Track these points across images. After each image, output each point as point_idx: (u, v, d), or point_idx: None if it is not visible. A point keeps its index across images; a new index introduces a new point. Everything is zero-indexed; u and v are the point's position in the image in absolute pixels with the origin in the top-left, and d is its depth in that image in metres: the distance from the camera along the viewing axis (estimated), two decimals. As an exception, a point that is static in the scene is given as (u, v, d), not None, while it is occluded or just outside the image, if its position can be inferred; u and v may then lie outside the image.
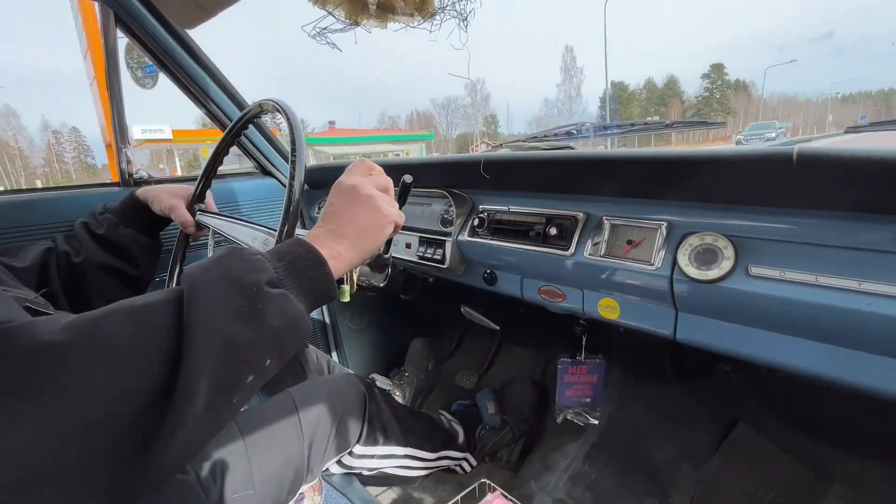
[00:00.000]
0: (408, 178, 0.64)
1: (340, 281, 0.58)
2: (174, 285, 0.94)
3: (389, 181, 0.60)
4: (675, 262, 0.61)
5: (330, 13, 0.73)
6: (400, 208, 0.61)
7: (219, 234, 0.88)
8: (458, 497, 0.91)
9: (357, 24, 0.75)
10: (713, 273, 0.57)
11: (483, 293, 0.98)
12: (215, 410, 0.39)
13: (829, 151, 0.46)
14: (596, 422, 1.09)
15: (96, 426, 0.33)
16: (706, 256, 0.59)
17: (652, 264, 0.64)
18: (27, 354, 0.33)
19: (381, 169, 0.60)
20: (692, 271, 0.59)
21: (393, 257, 1.01)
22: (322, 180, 1.31)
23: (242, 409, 0.65)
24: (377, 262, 0.85)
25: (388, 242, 0.66)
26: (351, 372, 0.94)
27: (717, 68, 65.09)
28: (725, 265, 0.57)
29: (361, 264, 0.57)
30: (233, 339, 0.40)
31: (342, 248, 0.53)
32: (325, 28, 0.75)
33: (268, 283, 0.44)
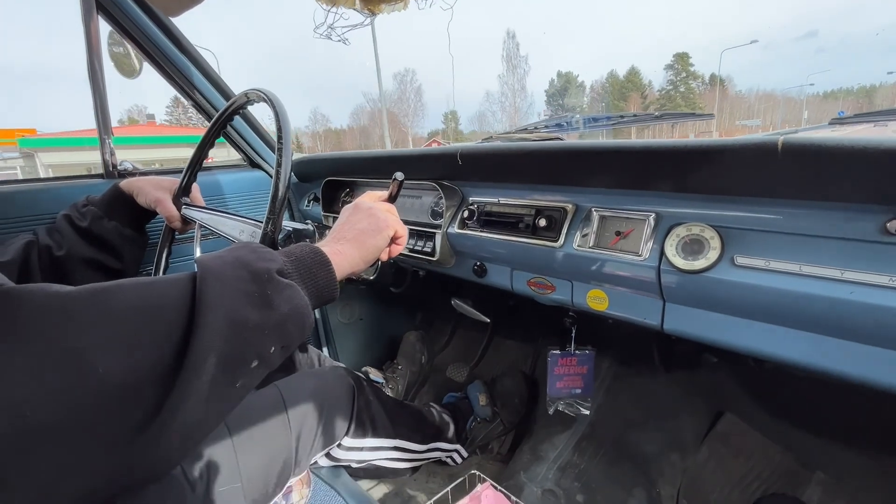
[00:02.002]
0: (399, 176, 0.70)
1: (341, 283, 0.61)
2: None
3: (392, 207, 0.69)
4: (662, 253, 0.62)
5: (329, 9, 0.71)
6: (392, 202, 0.69)
7: (205, 227, 0.87)
8: (449, 488, 0.92)
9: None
10: (700, 263, 0.57)
11: (473, 286, 0.98)
12: (220, 391, 0.39)
13: (813, 141, 0.46)
14: (587, 412, 1.10)
15: (101, 387, 0.33)
16: (693, 247, 0.59)
17: (640, 255, 0.64)
18: (36, 310, 0.33)
19: (398, 173, 0.71)
20: (679, 262, 0.59)
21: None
22: (311, 173, 1.30)
23: None
24: None
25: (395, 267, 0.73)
26: (341, 365, 0.94)
27: (682, 58, 58.03)
28: (712, 255, 0.57)
29: (364, 266, 0.61)
30: (242, 320, 0.41)
31: (343, 246, 0.57)
32: (331, 25, 0.74)
33: (277, 272, 0.46)
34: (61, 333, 0.33)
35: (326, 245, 0.57)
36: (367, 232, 0.61)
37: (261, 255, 0.47)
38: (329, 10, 0.74)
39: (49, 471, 0.32)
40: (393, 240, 0.66)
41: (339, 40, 0.77)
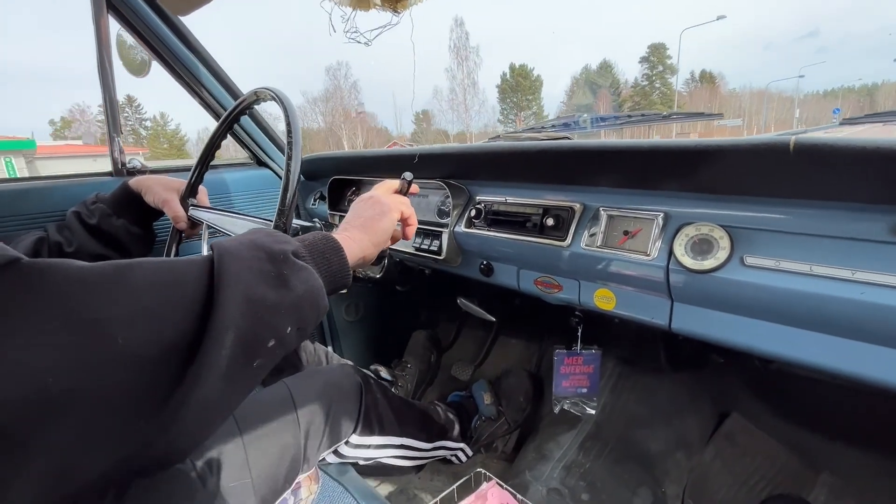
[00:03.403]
0: (408, 176, 0.72)
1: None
2: None
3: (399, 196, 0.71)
4: (671, 253, 0.62)
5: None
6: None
7: (212, 227, 0.87)
8: (454, 487, 0.92)
9: (397, 11, 0.72)
10: (709, 263, 0.58)
11: (479, 284, 0.98)
12: (237, 369, 0.39)
13: (826, 141, 0.46)
14: (593, 412, 1.10)
15: (121, 358, 0.34)
16: (702, 247, 0.59)
17: (648, 255, 0.64)
18: (56, 284, 0.33)
19: (406, 172, 0.73)
20: (688, 261, 0.59)
21: (389, 249, 1.01)
22: (317, 171, 1.31)
23: None
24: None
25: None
26: (349, 363, 0.94)
27: (657, 50, 50.81)
28: (721, 255, 0.57)
29: (375, 251, 0.63)
30: (259, 297, 0.41)
31: (352, 232, 0.60)
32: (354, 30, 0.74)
33: (293, 253, 0.48)
34: (81, 305, 0.33)
35: (337, 233, 0.58)
36: (373, 217, 0.63)
37: (276, 238, 0.48)
38: (350, 15, 0.73)
39: (69, 442, 0.32)
40: (403, 222, 0.68)
41: (365, 42, 0.77)
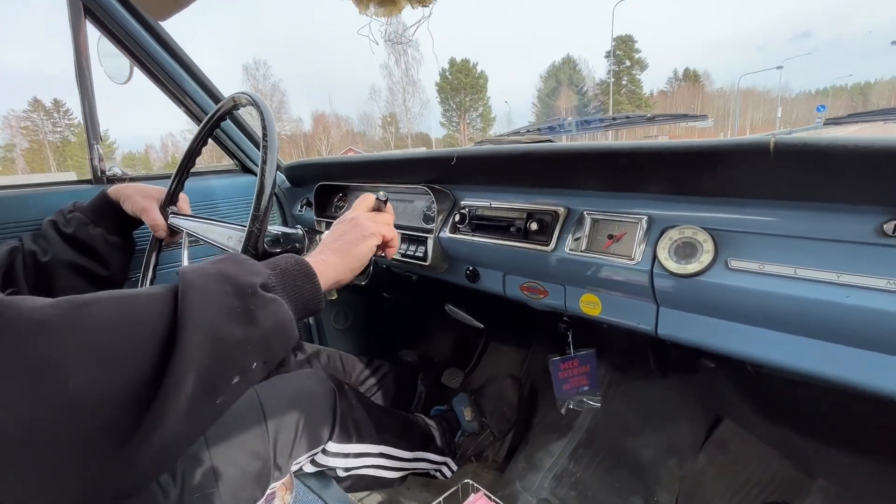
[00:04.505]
0: (381, 196, 0.69)
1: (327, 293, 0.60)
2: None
3: (382, 214, 0.68)
4: (655, 257, 0.60)
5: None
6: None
7: (193, 235, 0.85)
8: (441, 498, 0.90)
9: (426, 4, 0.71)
10: (693, 267, 0.56)
11: (467, 291, 0.96)
12: (199, 408, 0.38)
13: (805, 141, 0.45)
14: (598, 404, 1.11)
15: (74, 406, 0.33)
16: (686, 250, 0.58)
17: (632, 259, 0.63)
18: (10, 323, 0.32)
19: (381, 193, 0.69)
20: (672, 265, 0.58)
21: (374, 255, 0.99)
22: (304, 177, 1.29)
23: None
24: None
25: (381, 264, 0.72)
26: (321, 371, 0.93)
27: (625, 43, 45.59)
28: (705, 259, 0.56)
29: (351, 275, 0.61)
30: (224, 335, 0.40)
31: (327, 256, 0.58)
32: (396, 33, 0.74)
33: (261, 286, 0.46)
34: (33, 347, 0.32)
35: (311, 256, 0.57)
36: (350, 241, 0.61)
37: (245, 268, 0.46)
38: (388, 22, 0.73)
39: (18, 485, 0.31)
40: (384, 244, 0.66)
41: (405, 42, 0.77)
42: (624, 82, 46.52)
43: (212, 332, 0.39)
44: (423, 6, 0.69)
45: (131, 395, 0.35)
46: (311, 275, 0.52)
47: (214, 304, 0.40)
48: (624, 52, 45.97)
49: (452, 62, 43.10)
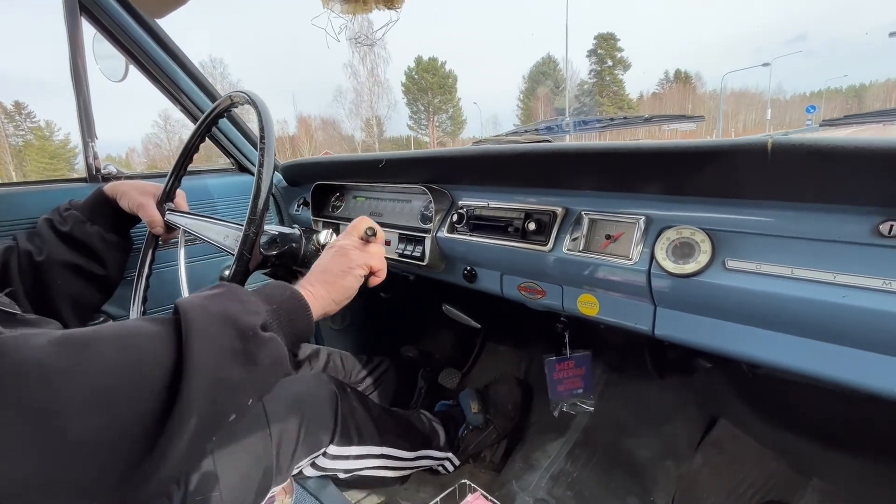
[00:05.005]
0: (369, 231, 0.67)
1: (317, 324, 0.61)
2: (143, 286, 0.90)
3: (375, 228, 0.67)
4: (652, 257, 0.60)
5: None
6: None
7: (189, 233, 0.85)
8: (438, 498, 0.90)
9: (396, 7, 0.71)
10: (690, 267, 0.56)
11: (464, 291, 0.96)
12: (198, 446, 0.40)
13: (803, 141, 0.45)
14: (591, 408, 1.11)
15: (73, 451, 0.33)
16: (683, 250, 0.58)
17: (630, 259, 0.63)
18: (11, 369, 0.33)
19: (370, 224, 0.67)
20: (669, 265, 0.58)
21: None
22: (301, 177, 1.29)
23: None
24: None
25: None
26: (323, 373, 0.92)
27: (606, 41, 42.33)
28: (702, 259, 0.56)
29: (337, 307, 0.62)
30: (225, 378, 0.41)
31: (316, 288, 0.59)
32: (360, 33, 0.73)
33: (261, 326, 0.47)
34: (34, 393, 0.33)
35: (303, 287, 0.58)
36: (336, 274, 0.61)
37: (246, 308, 0.47)
38: (351, 20, 0.72)
39: None
40: (371, 274, 0.66)
41: (369, 44, 0.76)
42: (606, 82, 43.54)
43: (214, 376, 0.40)
44: (389, 9, 0.69)
45: (132, 438, 0.36)
46: (305, 308, 0.54)
47: (217, 349, 0.41)
48: (606, 50, 43.00)
49: (419, 61, 39.89)
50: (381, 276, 0.67)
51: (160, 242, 0.93)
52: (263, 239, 0.72)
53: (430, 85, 40.33)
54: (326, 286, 0.60)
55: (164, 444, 0.36)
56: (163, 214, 0.88)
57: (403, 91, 40.37)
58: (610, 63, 43.14)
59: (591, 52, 43.21)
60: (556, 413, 1.11)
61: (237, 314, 0.45)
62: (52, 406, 0.33)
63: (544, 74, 43.90)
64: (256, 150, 1.27)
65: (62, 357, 0.35)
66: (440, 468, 1.05)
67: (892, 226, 0.44)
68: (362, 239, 0.66)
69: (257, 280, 1.29)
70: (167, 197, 0.90)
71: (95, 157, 1.03)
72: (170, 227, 0.89)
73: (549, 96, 43.31)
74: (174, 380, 0.38)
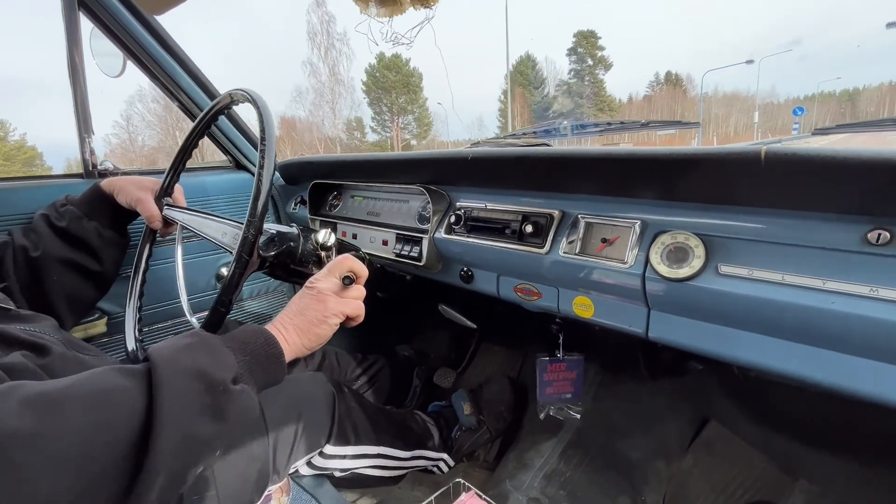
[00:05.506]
0: (346, 281, 0.65)
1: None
2: (139, 281, 0.90)
3: (357, 271, 0.65)
4: (647, 261, 0.61)
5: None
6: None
7: (187, 229, 0.85)
8: (433, 497, 0.90)
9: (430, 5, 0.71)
10: (684, 271, 0.57)
11: (461, 291, 0.97)
12: (165, 499, 0.40)
13: (796, 151, 0.46)
14: (578, 415, 1.11)
15: None
16: (678, 255, 0.59)
17: (625, 262, 0.64)
18: None
19: (352, 266, 0.65)
20: (664, 270, 0.59)
21: (369, 254, 0.99)
22: (298, 175, 1.29)
23: None
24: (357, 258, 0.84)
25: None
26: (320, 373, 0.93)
27: (587, 38, 40.35)
28: (696, 264, 0.57)
29: (308, 352, 0.61)
30: (196, 435, 0.42)
31: (290, 333, 0.58)
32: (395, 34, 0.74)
33: (234, 379, 0.47)
34: (3, 461, 0.33)
35: (277, 330, 0.58)
36: (311, 321, 0.60)
37: (217, 361, 0.47)
38: (388, 22, 0.73)
39: None
40: (349, 318, 0.65)
41: (407, 44, 0.77)
42: (586, 82, 41.67)
43: (184, 434, 0.40)
44: (425, 7, 0.69)
45: (102, 496, 0.37)
46: (278, 356, 0.55)
47: (188, 406, 0.42)
48: (586, 48, 40.93)
49: (381, 57, 36.35)
50: (358, 321, 0.66)
51: (158, 236, 0.93)
52: (262, 239, 0.72)
53: (392, 84, 37.37)
54: (299, 332, 0.59)
55: (133, 499, 0.37)
56: (161, 209, 0.88)
57: (364, 91, 37.32)
58: (590, 62, 41.44)
59: (571, 51, 41.63)
60: (541, 416, 1.11)
61: (208, 368, 0.45)
62: (21, 472, 0.33)
63: (521, 74, 41.82)
64: (254, 148, 1.28)
65: (31, 421, 0.35)
66: (435, 469, 1.06)
67: (879, 234, 0.46)
68: (343, 282, 0.64)
69: (256, 280, 1.29)
70: (165, 192, 0.89)
71: (92, 153, 1.02)
72: (168, 222, 0.89)
73: (526, 96, 41.79)
74: (143, 438, 0.38)
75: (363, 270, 0.66)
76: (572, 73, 42.13)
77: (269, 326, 0.58)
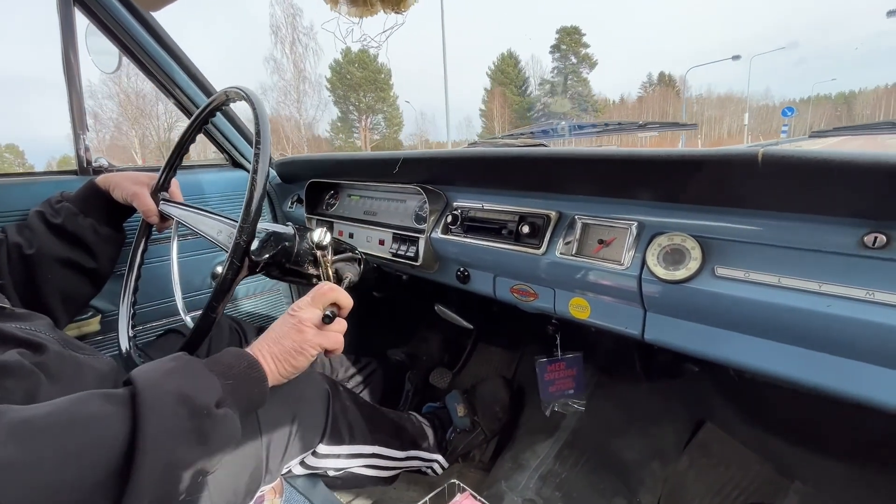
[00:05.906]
0: (326, 320, 0.64)
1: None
2: (134, 276, 0.90)
3: (341, 302, 0.66)
4: (644, 262, 0.61)
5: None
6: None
7: (183, 225, 0.84)
8: (427, 498, 0.90)
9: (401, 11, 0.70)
10: (680, 273, 0.57)
11: (457, 292, 0.97)
12: None
13: (793, 153, 0.46)
14: (582, 408, 1.12)
15: None
16: (674, 257, 0.59)
17: (622, 264, 0.64)
18: None
19: (337, 298, 0.66)
20: (660, 271, 0.59)
21: (365, 254, 0.99)
22: (295, 174, 1.28)
23: None
24: (353, 258, 0.83)
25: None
26: (316, 370, 0.92)
27: (570, 35, 38.40)
28: (693, 266, 0.57)
29: (283, 381, 0.62)
30: (178, 460, 0.42)
31: (269, 363, 0.59)
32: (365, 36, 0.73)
33: (217, 403, 0.47)
34: None
35: (259, 354, 0.59)
36: (288, 351, 0.61)
37: (201, 386, 0.48)
38: (357, 23, 0.72)
39: None
40: (327, 351, 0.65)
41: (376, 47, 0.76)
42: (570, 82, 39.81)
43: (167, 459, 0.40)
44: (396, 13, 0.69)
45: None
46: (262, 379, 0.55)
47: (171, 431, 0.42)
48: (569, 45, 38.73)
49: (346, 52, 33.60)
50: (337, 353, 0.67)
51: (153, 233, 0.92)
52: (256, 241, 0.71)
53: (358, 81, 35.20)
54: (276, 361, 0.59)
55: None
56: (157, 204, 0.87)
57: (329, 88, 34.97)
58: (574, 60, 39.39)
59: (555, 48, 39.43)
60: (547, 412, 1.12)
61: (192, 392, 0.46)
62: (3, 501, 0.33)
63: (503, 73, 40.45)
64: (250, 145, 1.27)
65: (11, 450, 0.35)
66: (429, 470, 1.05)
67: (876, 238, 0.46)
68: (324, 316, 0.64)
69: (252, 279, 1.28)
70: (161, 187, 0.89)
71: (87, 150, 1.01)
72: (164, 217, 0.88)
73: (507, 96, 40.06)
74: (127, 465, 0.38)
75: (347, 301, 0.67)
76: (555, 71, 40.37)
77: (249, 350, 0.59)
